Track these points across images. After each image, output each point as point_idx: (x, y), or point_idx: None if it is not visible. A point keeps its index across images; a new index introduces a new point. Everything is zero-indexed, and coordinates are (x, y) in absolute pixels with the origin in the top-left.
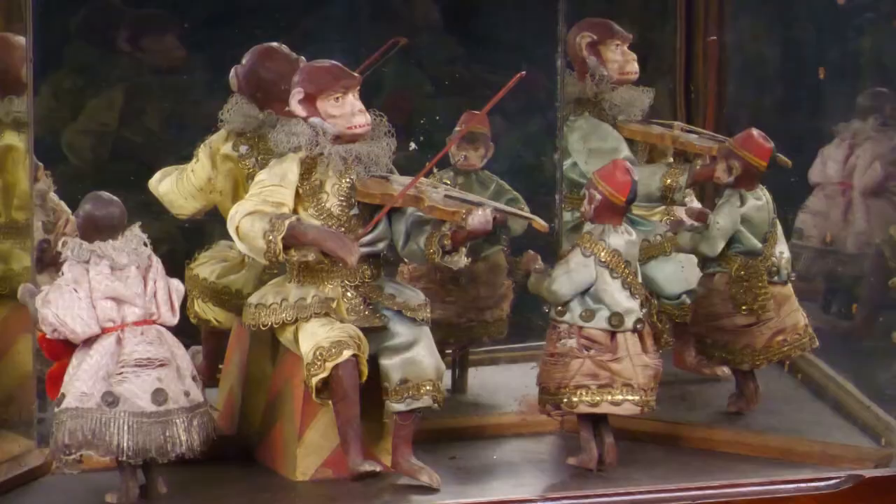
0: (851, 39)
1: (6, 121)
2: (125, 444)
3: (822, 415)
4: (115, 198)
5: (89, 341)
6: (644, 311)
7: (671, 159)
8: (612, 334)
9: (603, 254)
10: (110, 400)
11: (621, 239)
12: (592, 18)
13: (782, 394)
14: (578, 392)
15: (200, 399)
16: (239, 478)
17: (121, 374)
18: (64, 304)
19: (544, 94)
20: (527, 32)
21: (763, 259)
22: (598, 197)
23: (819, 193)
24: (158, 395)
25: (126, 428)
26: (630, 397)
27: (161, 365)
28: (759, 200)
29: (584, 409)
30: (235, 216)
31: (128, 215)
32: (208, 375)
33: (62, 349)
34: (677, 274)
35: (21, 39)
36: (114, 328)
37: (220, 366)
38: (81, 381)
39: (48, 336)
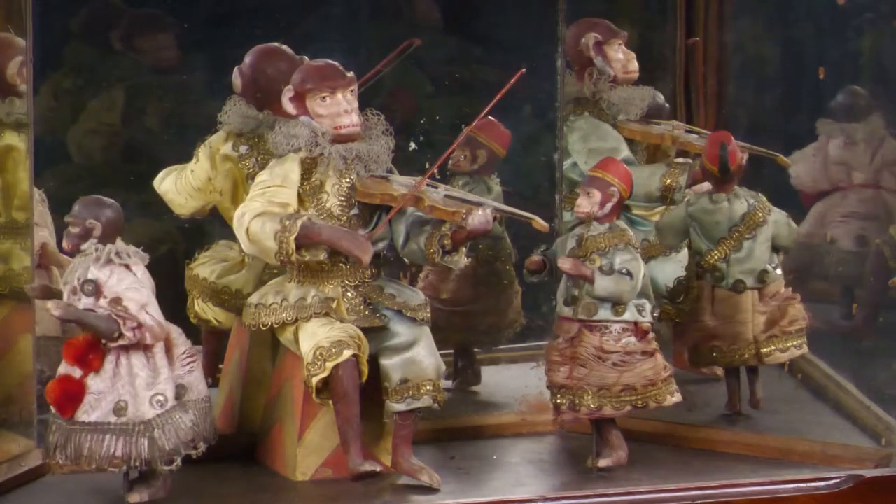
0: (851, 39)
1: (6, 121)
2: (203, 431)
3: (822, 415)
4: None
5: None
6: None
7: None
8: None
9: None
10: (182, 392)
11: None
12: (591, 18)
13: (782, 394)
14: (665, 386)
15: None
16: (239, 478)
17: (186, 365)
18: (155, 308)
19: (544, 94)
20: (527, 32)
21: (702, 261)
22: (618, 194)
23: (863, 195)
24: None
25: (197, 414)
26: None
27: None
28: (715, 204)
29: (670, 400)
30: (244, 217)
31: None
32: (208, 375)
33: (101, 359)
34: (677, 274)
35: (21, 40)
36: None
37: (220, 366)
38: (170, 379)
39: (130, 341)
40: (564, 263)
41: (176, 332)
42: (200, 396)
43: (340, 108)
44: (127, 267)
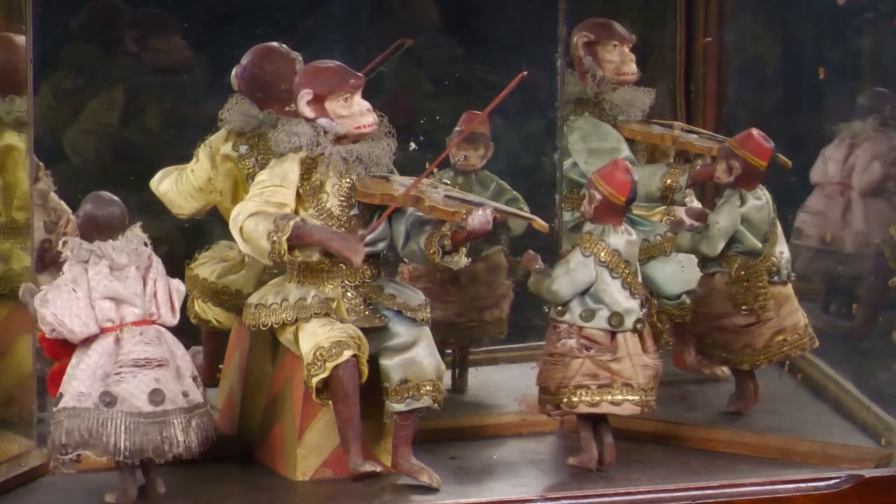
0: (851, 39)
1: (6, 121)
2: (122, 445)
3: (822, 415)
4: (115, 198)
5: (88, 341)
6: (644, 311)
7: (671, 158)
8: (612, 334)
9: (603, 254)
10: (108, 400)
11: (621, 239)
12: (594, 19)
13: (782, 394)
14: (578, 392)
15: (200, 400)
16: (239, 478)
17: (119, 374)
18: (62, 304)
19: (544, 94)
20: (527, 32)
21: (763, 259)
22: (598, 197)
23: (818, 193)
24: (156, 396)
25: (123, 428)
26: (630, 397)
27: (159, 365)
28: (759, 200)
29: (584, 409)
30: (239, 217)
31: (128, 215)
32: (208, 375)
33: (62, 349)
34: (677, 274)
35: (21, 39)
36: (112, 328)
37: (220, 366)
38: (79, 381)
39: (47, 336)
40: (525, 257)
41: (131, 342)
42: (136, 410)
43: (363, 108)
44: (84, 263)
